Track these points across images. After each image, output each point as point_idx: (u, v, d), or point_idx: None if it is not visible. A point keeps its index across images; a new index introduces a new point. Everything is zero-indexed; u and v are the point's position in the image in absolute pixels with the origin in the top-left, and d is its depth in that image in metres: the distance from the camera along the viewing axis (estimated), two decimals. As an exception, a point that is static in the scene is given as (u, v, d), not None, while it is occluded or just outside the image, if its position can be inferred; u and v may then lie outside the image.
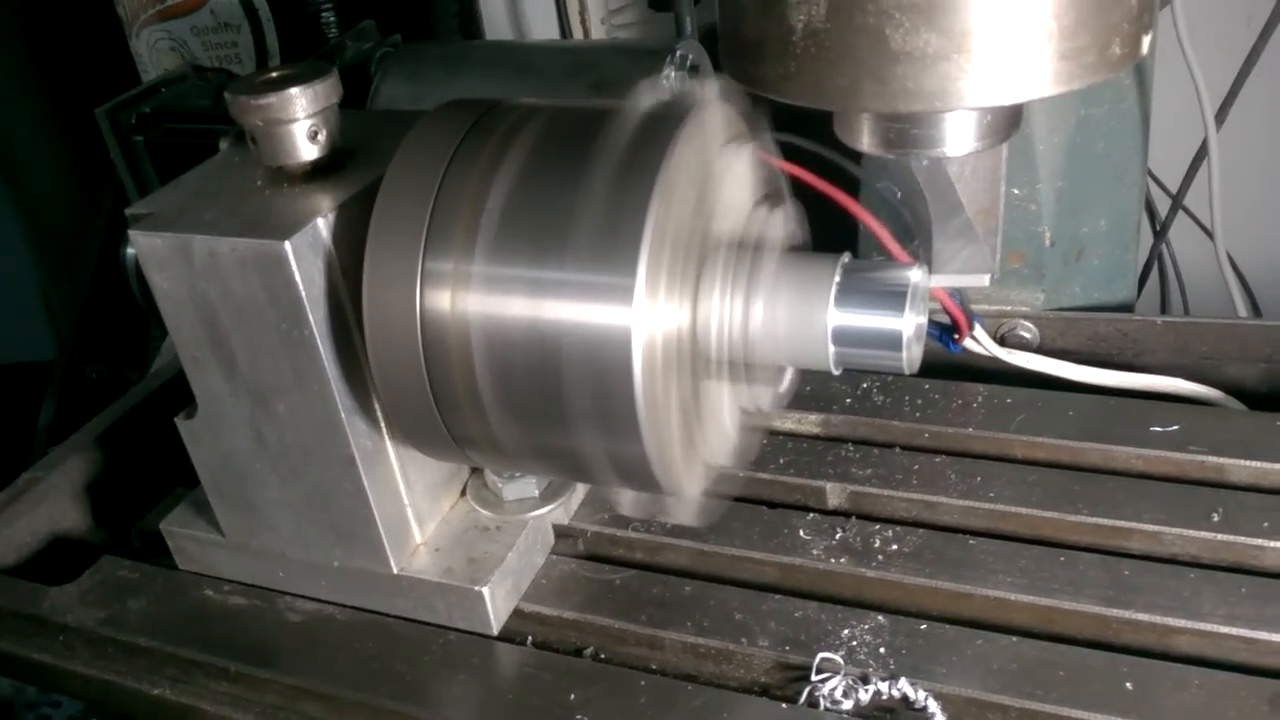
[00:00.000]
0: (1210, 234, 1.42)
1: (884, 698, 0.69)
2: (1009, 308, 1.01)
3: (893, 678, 0.69)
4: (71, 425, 1.03)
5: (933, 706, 0.68)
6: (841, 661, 0.71)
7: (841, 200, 0.69)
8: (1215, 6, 1.33)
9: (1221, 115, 1.25)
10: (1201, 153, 1.29)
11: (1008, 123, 0.61)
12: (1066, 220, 1.00)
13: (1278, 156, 1.56)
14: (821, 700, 0.69)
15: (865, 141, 0.62)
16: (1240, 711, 0.65)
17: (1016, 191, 0.99)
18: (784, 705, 0.69)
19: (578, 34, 1.47)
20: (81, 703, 0.89)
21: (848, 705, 0.69)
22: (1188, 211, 1.44)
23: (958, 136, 0.60)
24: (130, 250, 0.81)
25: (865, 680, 0.69)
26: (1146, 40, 0.55)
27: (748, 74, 0.58)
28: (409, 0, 1.54)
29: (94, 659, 0.82)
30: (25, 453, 1.57)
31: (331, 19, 1.46)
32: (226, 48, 1.50)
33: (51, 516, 0.96)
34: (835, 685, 0.69)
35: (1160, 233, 1.45)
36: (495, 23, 1.70)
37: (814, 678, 0.70)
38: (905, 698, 0.68)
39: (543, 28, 1.66)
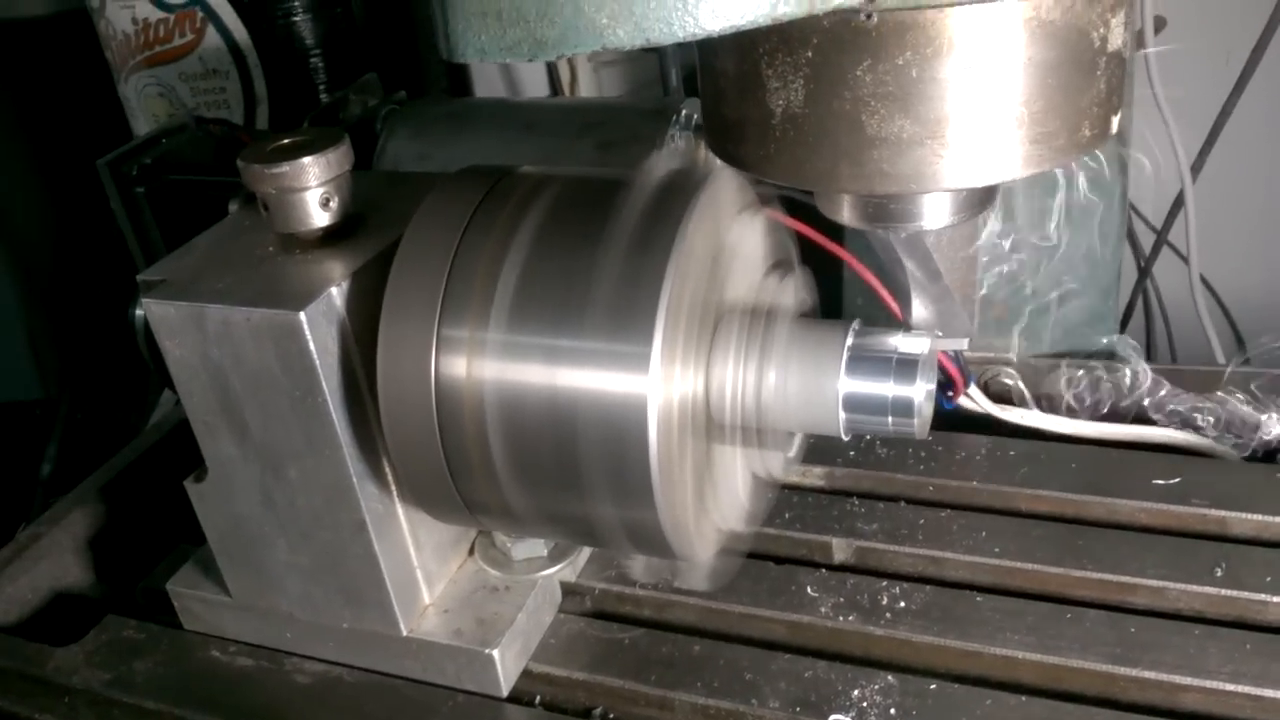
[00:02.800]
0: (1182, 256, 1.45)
1: None
2: (991, 354, 1.03)
3: None
4: (65, 469, 1.03)
5: None
6: None
7: (852, 264, 0.70)
8: (1194, 41, 1.36)
9: (1206, 150, 1.27)
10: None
11: (984, 197, 0.63)
12: (1047, 270, 1.02)
13: (1260, 192, 1.58)
14: None
15: (846, 216, 0.64)
16: (1248, 770, 0.66)
17: (999, 241, 1.00)
18: (797, 769, 0.70)
19: (564, 72, 1.48)
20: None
21: None
22: (1171, 246, 1.47)
23: (934, 212, 0.61)
24: (139, 311, 0.81)
25: None
26: (1115, 120, 0.56)
27: (729, 153, 0.60)
28: (396, 46, 1.56)
29: (99, 721, 0.82)
30: (17, 497, 1.56)
31: (320, 64, 1.47)
32: (215, 93, 1.50)
33: (53, 573, 0.95)
34: None
35: (1144, 268, 1.47)
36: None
37: None
38: None
39: (530, 66, 1.67)
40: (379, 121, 1.04)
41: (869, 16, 0.49)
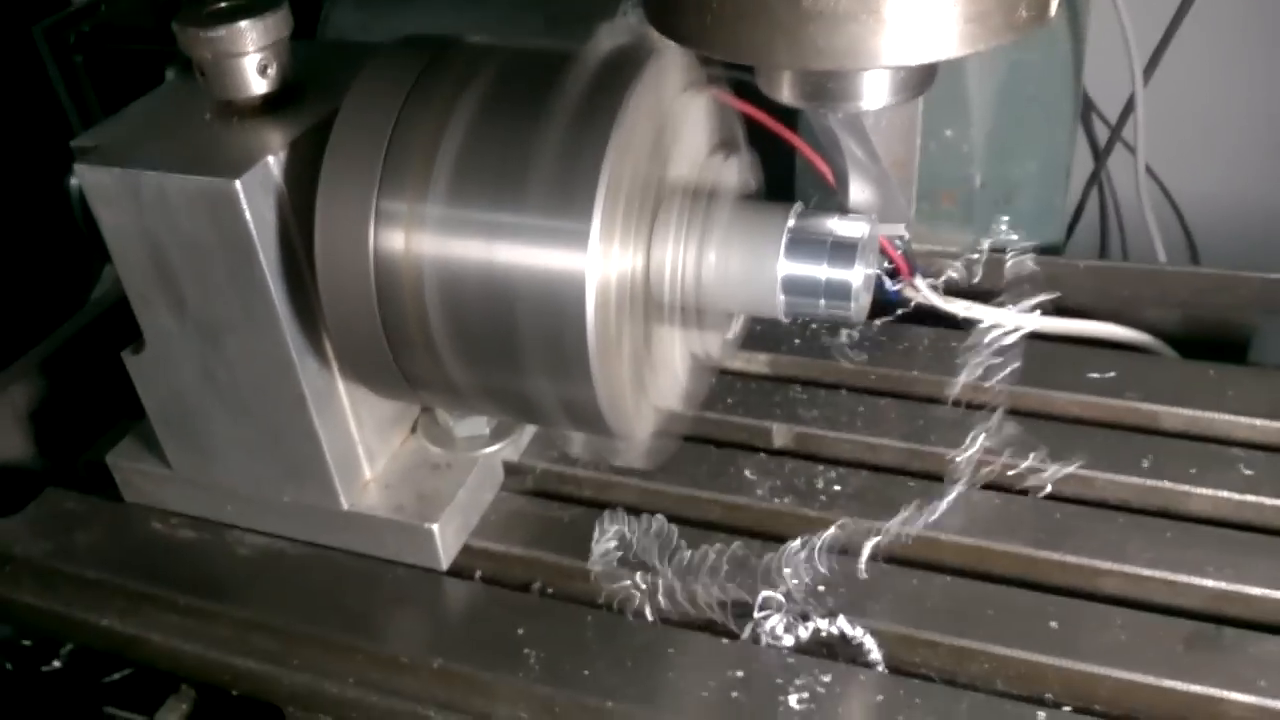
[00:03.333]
0: (1151, 173, 1.45)
1: (823, 634, 0.71)
2: (939, 247, 1.03)
3: (831, 615, 0.71)
4: (6, 343, 1.02)
5: (869, 643, 0.70)
6: (783, 599, 0.73)
7: (796, 143, 0.69)
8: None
9: (1162, 48, 1.27)
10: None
11: (922, 79, 0.62)
12: (997, 163, 1.02)
13: (1219, 92, 1.58)
14: (763, 636, 0.72)
15: (786, 94, 0.63)
16: (1158, 650, 0.68)
17: (948, 133, 1.00)
18: (725, 640, 0.72)
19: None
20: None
21: (789, 641, 0.71)
22: (1125, 144, 1.47)
23: (873, 92, 0.61)
24: (74, 181, 0.80)
25: (805, 617, 0.72)
26: (1054, 3, 0.56)
27: (668, 25, 0.59)
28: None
29: (41, 590, 0.82)
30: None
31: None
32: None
33: (-7, 444, 0.95)
34: (776, 622, 0.72)
35: (1098, 164, 1.48)
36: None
37: (756, 614, 0.72)
38: (843, 634, 0.71)
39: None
40: (324, -10, 1.01)
41: None
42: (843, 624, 0.71)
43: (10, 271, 1.48)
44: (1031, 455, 0.80)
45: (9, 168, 1.48)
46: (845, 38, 0.51)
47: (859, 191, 0.70)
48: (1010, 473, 0.81)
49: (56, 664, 0.91)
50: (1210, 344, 0.95)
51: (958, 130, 0.98)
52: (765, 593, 0.73)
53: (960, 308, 0.94)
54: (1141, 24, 1.26)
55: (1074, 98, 1.03)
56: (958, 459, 0.81)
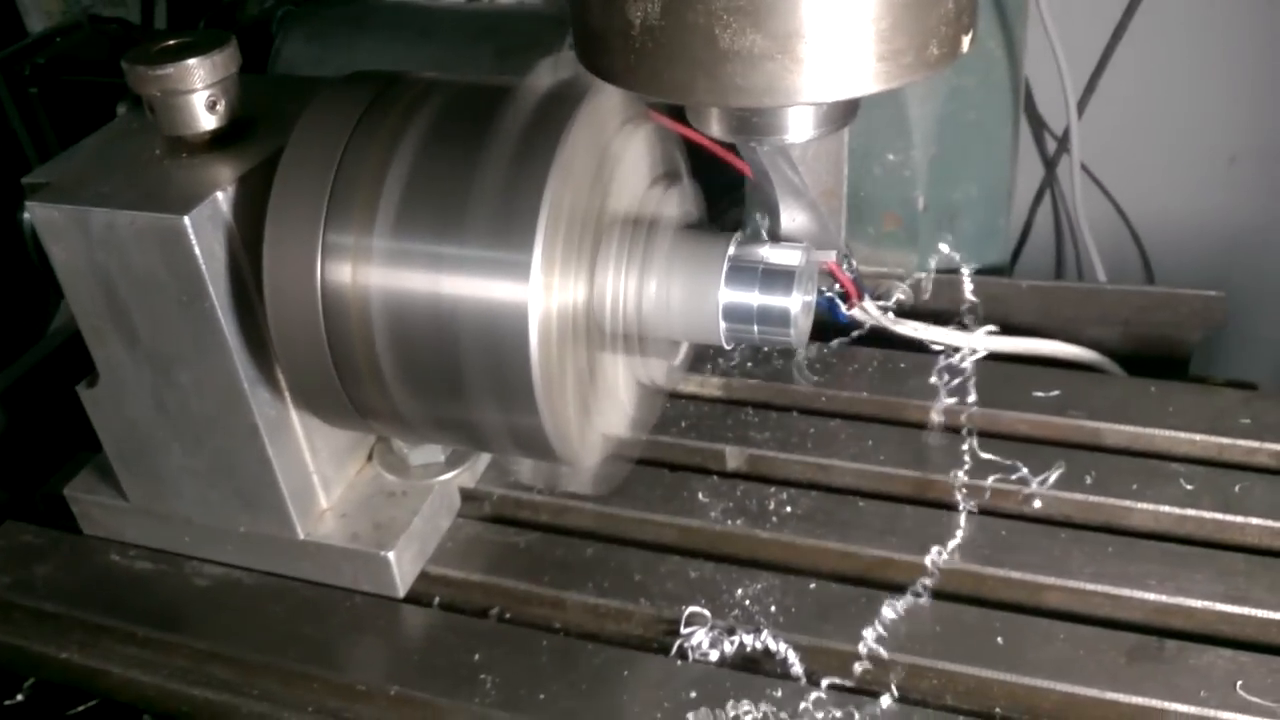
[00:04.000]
0: (1100, 185, 1.48)
1: (748, 649, 0.72)
2: (884, 269, 1.05)
3: (756, 630, 0.73)
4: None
5: (791, 657, 0.72)
6: (708, 616, 0.74)
7: (745, 172, 0.71)
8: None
9: (1103, 65, 1.30)
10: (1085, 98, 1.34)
11: (845, 112, 0.64)
12: (939, 186, 1.04)
13: (1164, 104, 1.61)
14: (690, 652, 0.73)
15: (714, 128, 0.65)
16: (1100, 663, 0.70)
17: (891, 157, 1.02)
18: (679, 662, 0.73)
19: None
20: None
21: (714, 656, 0.72)
22: (1089, 174, 1.50)
23: (797, 125, 0.63)
24: (27, 215, 0.80)
25: (731, 632, 0.73)
26: (966, 40, 0.58)
27: (595, 64, 0.60)
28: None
29: (0, 624, 0.82)
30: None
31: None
32: (114, -9, 1.45)
33: (-49, 479, 0.95)
34: (701, 639, 0.73)
35: (1045, 178, 1.51)
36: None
37: (683, 630, 0.73)
38: (767, 649, 0.72)
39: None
40: (274, 24, 1.02)
41: None
42: (766, 639, 0.72)
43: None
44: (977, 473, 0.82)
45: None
46: (763, 76, 0.53)
47: (790, 220, 0.71)
48: (960, 491, 0.82)
49: (20, 697, 0.91)
50: (1152, 360, 0.97)
51: (900, 154, 1.01)
52: (690, 609, 0.74)
53: (910, 329, 0.95)
54: (1085, 38, 1.29)
55: (1013, 122, 1.06)
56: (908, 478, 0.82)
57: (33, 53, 1.10)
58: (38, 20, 1.50)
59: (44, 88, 1.09)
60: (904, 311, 0.99)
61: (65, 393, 0.81)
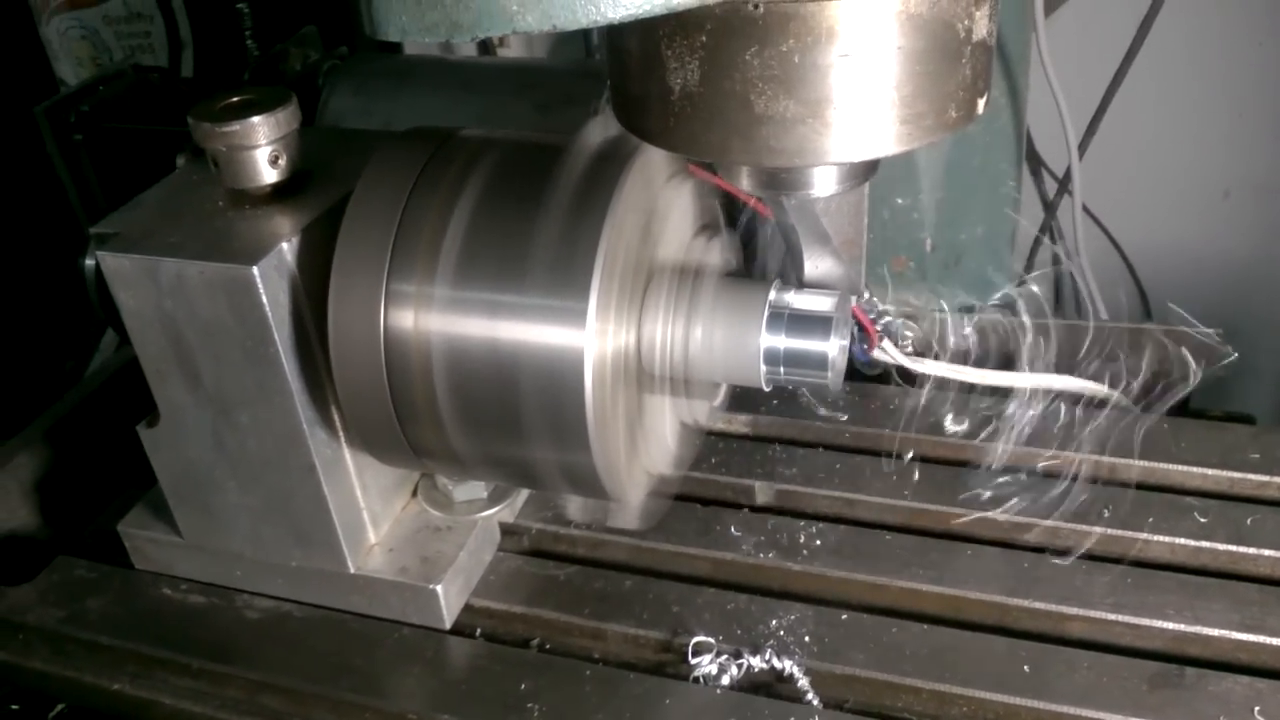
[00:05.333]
0: (1099, 224, 1.52)
1: (755, 671, 0.75)
2: (893, 308, 1.08)
3: (760, 653, 0.76)
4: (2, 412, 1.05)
5: (799, 674, 0.74)
6: (714, 642, 0.77)
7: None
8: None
9: (1102, 110, 1.34)
10: (1086, 140, 1.39)
11: (866, 169, 0.68)
12: (946, 228, 1.08)
13: (1157, 144, 1.66)
14: (702, 679, 0.76)
15: (744, 183, 0.69)
16: (1124, 690, 0.73)
17: (900, 201, 1.06)
18: (718, 691, 0.75)
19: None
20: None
21: (725, 681, 0.75)
22: (1091, 215, 1.54)
23: (822, 181, 0.66)
24: (89, 261, 0.84)
25: (738, 656, 0.76)
26: (981, 102, 0.62)
27: (634, 125, 0.64)
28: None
29: (53, 657, 0.85)
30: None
31: (245, 9, 1.47)
32: (139, 37, 1.49)
33: (2, 515, 0.98)
34: (710, 665, 0.76)
35: (1046, 217, 1.55)
36: None
37: (691, 659, 0.76)
38: (774, 669, 0.75)
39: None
40: (321, 77, 1.06)
41: (756, 6, 0.54)
42: (772, 659, 0.75)
43: (11, 343, 1.51)
44: (1003, 507, 0.85)
45: (12, 244, 1.51)
46: (794, 139, 0.57)
47: (813, 267, 0.75)
48: (984, 525, 0.86)
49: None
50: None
51: (908, 198, 1.05)
52: (698, 638, 0.77)
53: (927, 367, 0.98)
54: (1085, 81, 1.34)
55: (1016, 167, 1.10)
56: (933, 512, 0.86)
57: (77, 101, 1.14)
58: (66, 66, 1.54)
59: (89, 135, 1.13)
60: (915, 350, 1.02)
61: (109, 430, 0.83)
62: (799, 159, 0.58)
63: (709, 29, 0.55)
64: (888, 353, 0.94)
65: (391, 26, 0.53)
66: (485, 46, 1.36)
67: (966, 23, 0.56)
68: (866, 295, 0.86)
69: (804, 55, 0.54)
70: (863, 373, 0.99)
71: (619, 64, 0.62)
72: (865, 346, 0.93)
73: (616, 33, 0.61)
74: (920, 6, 0.54)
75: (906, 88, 0.56)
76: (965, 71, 0.58)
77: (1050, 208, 1.57)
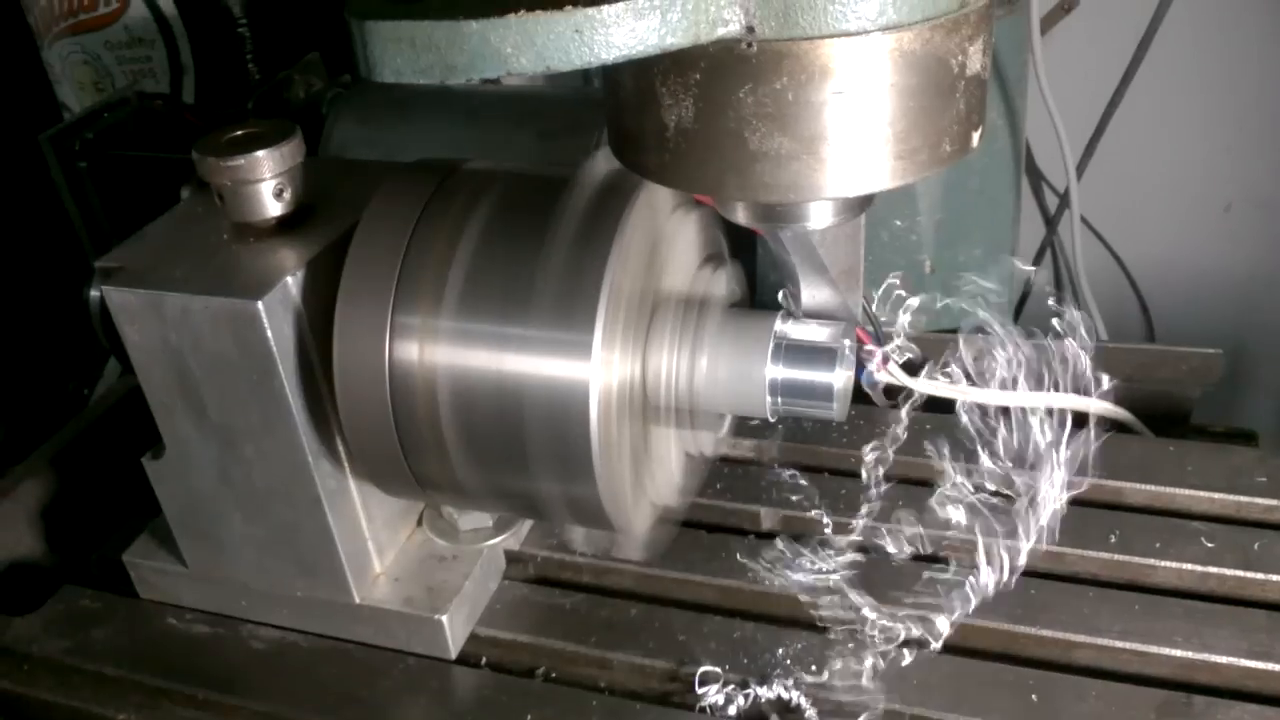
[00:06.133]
0: (1101, 239, 1.52)
1: (762, 701, 0.75)
2: (892, 329, 1.08)
3: (767, 683, 0.75)
4: (7, 439, 1.05)
5: (805, 704, 0.74)
6: (720, 672, 0.76)
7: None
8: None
9: (1104, 124, 1.35)
10: (1085, 158, 1.39)
11: (862, 201, 0.68)
12: (945, 249, 1.08)
13: (1158, 159, 1.66)
14: (710, 709, 0.75)
15: (741, 217, 0.69)
16: (1131, 718, 0.73)
17: (899, 223, 1.07)
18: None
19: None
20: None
21: (731, 711, 0.75)
22: (1090, 227, 1.55)
23: (818, 214, 0.67)
24: (94, 293, 0.84)
25: (744, 686, 0.76)
26: (976, 135, 0.62)
27: (629, 159, 0.64)
28: (325, 15, 1.56)
29: (58, 687, 0.85)
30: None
31: (247, 34, 1.47)
32: (140, 63, 1.49)
33: (8, 543, 0.98)
34: (716, 695, 0.75)
35: (1045, 238, 1.56)
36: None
37: (698, 689, 0.76)
38: (781, 699, 0.75)
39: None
40: (325, 105, 1.06)
41: (749, 45, 0.54)
42: (779, 690, 0.75)
43: (16, 369, 1.52)
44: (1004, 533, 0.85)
45: (17, 269, 1.52)
46: (789, 175, 0.57)
47: (810, 297, 0.75)
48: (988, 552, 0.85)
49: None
50: (1153, 416, 1.00)
51: (907, 220, 1.05)
52: (704, 668, 0.77)
53: (935, 389, 0.98)
54: (1085, 97, 1.34)
55: (1014, 186, 1.10)
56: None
57: (82, 128, 1.14)
58: (68, 91, 1.54)
59: (93, 162, 1.13)
60: (913, 369, 1.02)
61: (112, 459, 0.83)
62: (794, 195, 0.58)
63: (703, 67, 0.55)
64: (894, 375, 0.94)
65: (387, 69, 0.53)
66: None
67: (960, 58, 0.56)
68: (873, 318, 0.86)
69: (797, 93, 0.54)
70: (867, 394, 1.00)
71: (615, 100, 0.62)
72: (873, 369, 0.93)
73: (612, 69, 0.61)
74: (913, 44, 0.54)
75: (900, 124, 0.56)
76: (959, 106, 0.58)
77: (1051, 224, 1.57)
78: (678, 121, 0.58)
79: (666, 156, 0.60)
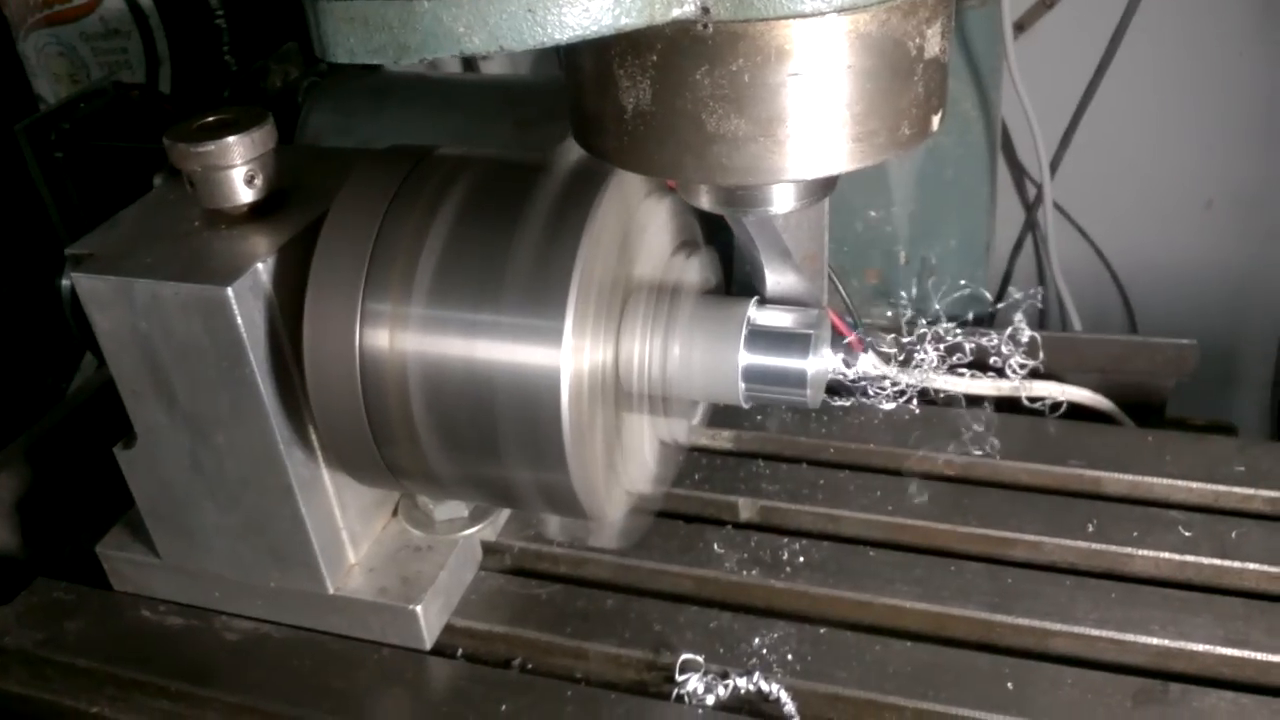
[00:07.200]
0: (1084, 233, 1.53)
1: (742, 692, 0.75)
2: (868, 321, 1.09)
3: (748, 674, 0.75)
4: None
5: (785, 698, 0.74)
6: (701, 661, 0.76)
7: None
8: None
9: (1080, 112, 1.35)
10: (1061, 152, 1.39)
11: (824, 185, 0.68)
12: (919, 240, 1.08)
13: (1138, 153, 1.67)
14: (686, 698, 0.75)
15: (703, 201, 0.69)
16: (1107, 707, 0.73)
17: (873, 214, 1.07)
18: (700, 710, 0.75)
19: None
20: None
21: (710, 701, 0.75)
22: (1066, 215, 1.55)
23: (781, 198, 0.66)
24: (65, 281, 0.83)
25: (725, 676, 0.75)
26: (936, 119, 0.62)
27: (590, 143, 0.64)
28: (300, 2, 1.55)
29: (31, 679, 0.84)
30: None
31: (223, 25, 1.46)
32: (116, 54, 1.48)
33: (-20, 535, 0.97)
34: (697, 684, 0.75)
35: (1024, 226, 1.56)
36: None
37: (678, 678, 0.76)
38: (760, 691, 0.74)
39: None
40: (301, 94, 1.05)
41: (705, 26, 0.53)
42: (759, 682, 0.74)
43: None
44: (983, 522, 0.85)
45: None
46: (746, 157, 0.56)
47: (775, 283, 0.75)
48: (965, 540, 0.85)
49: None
50: (1127, 407, 1.00)
51: (881, 211, 1.05)
52: (685, 656, 0.76)
53: (915, 379, 0.98)
54: (1061, 89, 1.34)
55: (990, 177, 1.10)
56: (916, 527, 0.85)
57: (58, 119, 1.14)
58: (45, 83, 1.54)
59: (69, 153, 1.13)
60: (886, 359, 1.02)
61: (89, 451, 0.82)
62: (752, 177, 0.58)
63: (659, 49, 0.55)
64: (871, 363, 0.94)
65: (340, 49, 0.52)
66: (469, 63, 1.36)
67: (918, 40, 0.56)
68: (852, 309, 0.86)
69: (754, 74, 0.54)
70: (844, 383, 1.00)
71: (575, 83, 0.62)
72: (848, 358, 0.93)
73: (571, 52, 0.60)
74: (870, 25, 0.54)
75: (858, 106, 0.56)
76: (918, 89, 0.58)
77: (1030, 209, 1.57)
78: (635, 104, 0.57)
79: (625, 139, 0.59)
